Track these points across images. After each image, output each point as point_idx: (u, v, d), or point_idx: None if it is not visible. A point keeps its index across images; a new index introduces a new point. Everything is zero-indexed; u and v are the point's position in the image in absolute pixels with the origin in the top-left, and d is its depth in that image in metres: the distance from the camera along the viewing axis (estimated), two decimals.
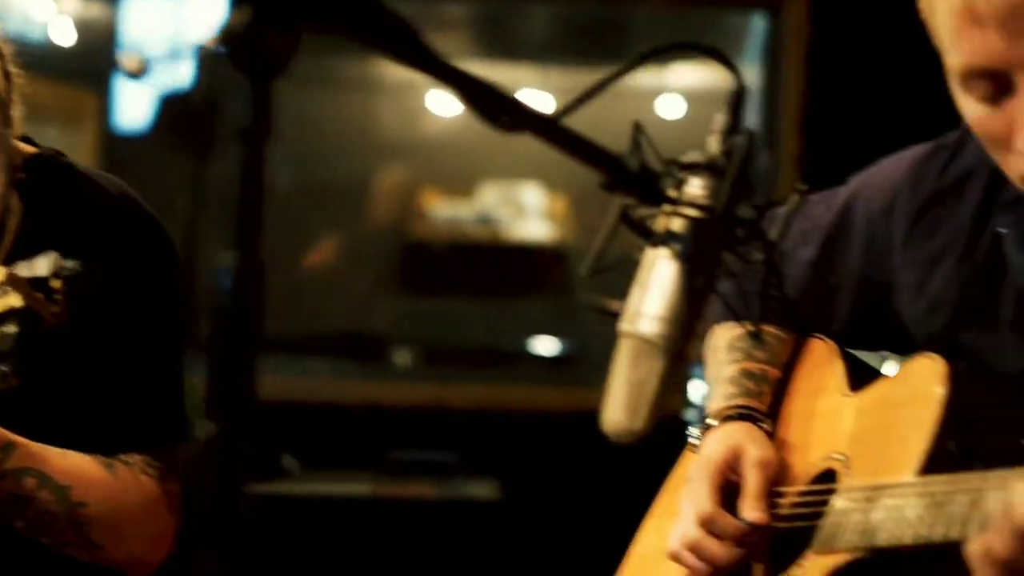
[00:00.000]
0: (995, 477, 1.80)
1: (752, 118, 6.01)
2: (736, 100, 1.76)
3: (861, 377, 2.31)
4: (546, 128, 1.66)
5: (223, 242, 1.46)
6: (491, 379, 6.18)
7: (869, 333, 2.41)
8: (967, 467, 1.92)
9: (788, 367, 2.48)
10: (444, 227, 7.46)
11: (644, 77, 7.22)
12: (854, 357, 2.42)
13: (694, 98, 7.42)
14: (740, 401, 2.39)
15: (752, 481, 2.25)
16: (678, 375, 1.71)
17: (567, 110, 1.68)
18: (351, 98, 7.55)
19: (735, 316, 2.43)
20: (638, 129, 1.71)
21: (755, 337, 1.81)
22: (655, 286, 1.70)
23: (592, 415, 3.48)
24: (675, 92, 7.48)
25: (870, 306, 2.38)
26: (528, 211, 7.47)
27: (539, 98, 7.21)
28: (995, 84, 1.96)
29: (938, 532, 1.85)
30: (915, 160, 2.35)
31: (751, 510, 2.23)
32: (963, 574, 1.80)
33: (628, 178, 1.69)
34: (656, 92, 7.51)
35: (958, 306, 2.20)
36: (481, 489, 5.10)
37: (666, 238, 1.69)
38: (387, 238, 7.41)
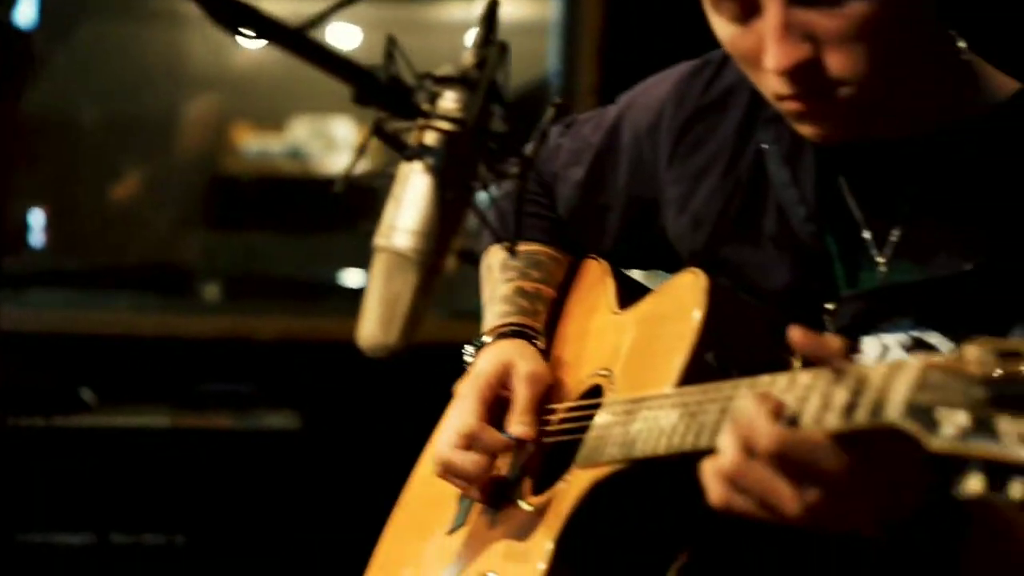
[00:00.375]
0: (745, 385, 1.82)
1: (552, 51, 6.02)
2: (489, 12, 1.76)
3: (632, 295, 2.33)
4: (292, 40, 1.64)
5: None
6: (297, 311, 6.13)
7: (640, 251, 2.44)
8: (725, 378, 1.93)
9: (564, 288, 2.51)
10: (254, 161, 7.37)
11: (455, 10, 7.19)
12: (625, 275, 2.44)
13: (505, 32, 7.40)
14: (514, 319, 2.40)
15: (521, 395, 2.27)
16: (433, 289, 1.71)
17: (313, 22, 1.66)
18: (158, 30, 7.40)
19: (506, 235, 2.45)
20: (391, 42, 1.69)
21: (512, 253, 1.79)
22: (408, 200, 1.70)
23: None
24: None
25: (639, 224, 2.40)
26: (339, 145, 7.41)
27: (347, 31, 7.13)
28: (742, 4, 1.97)
29: (689, 441, 1.86)
30: (680, 77, 2.37)
31: (517, 424, 2.25)
32: None
33: (378, 91, 1.67)
34: (466, 26, 7.48)
35: (721, 222, 2.23)
36: (280, 419, 5.07)
37: (419, 152, 1.69)
38: (196, 172, 7.30)
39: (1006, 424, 1.41)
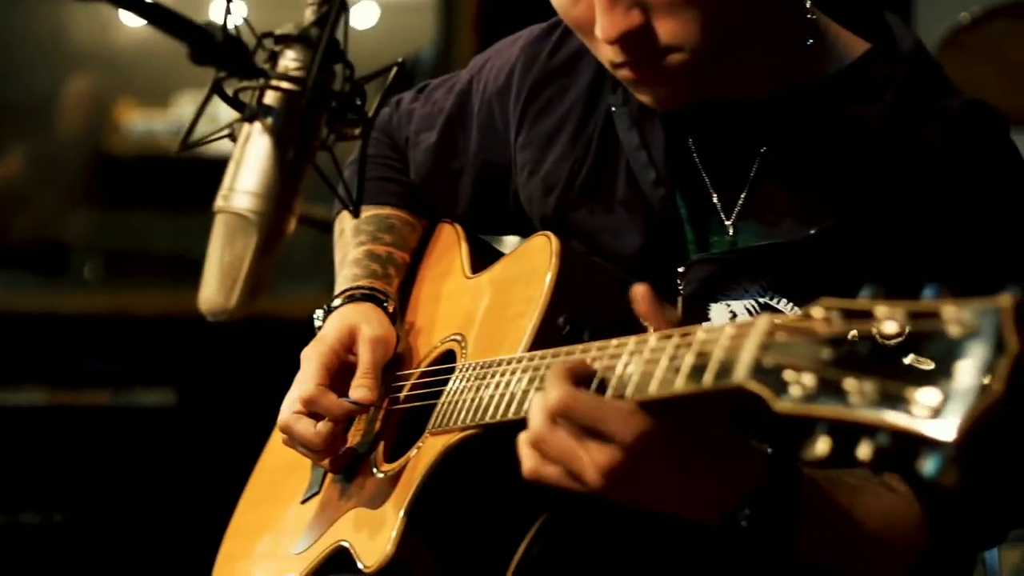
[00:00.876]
0: (595, 348, 1.81)
1: (430, 20, 5.98)
2: None
3: (485, 259, 2.32)
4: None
5: None
6: (176, 289, 6.06)
7: (494, 216, 2.41)
8: (577, 341, 1.92)
9: (419, 253, 2.49)
10: (138, 139, 7.27)
11: None
12: (479, 239, 2.43)
13: (389, 7, 7.37)
14: (364, 282, 2.37)
15: (364, 359, 2.24)
16: (275, 252, 1.68)
17: None
18: (38, 8, 7.29)
19: (353, 200, 2.42)
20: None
21: (355, 216, 1.76)
22: (248, 161, 1.66)
23: (273, 322, 3.43)
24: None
25: (491, 188, 2.38)
26: (223, 123, 7.32)
27: (237, 7, 7.05)
28: None
29: None
30: (529, 40, 2.34)
31: (358, 388, 2.21)
32: None
33: (215, 49, 1.64)
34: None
35: (571, 186, 2.21)
36: (156, 396, 5.02)
37: (258, 112, 1.66)
38: (78, 150, 7.20)
39: (851, 384, 1.40)
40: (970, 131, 2.00)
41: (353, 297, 2.34)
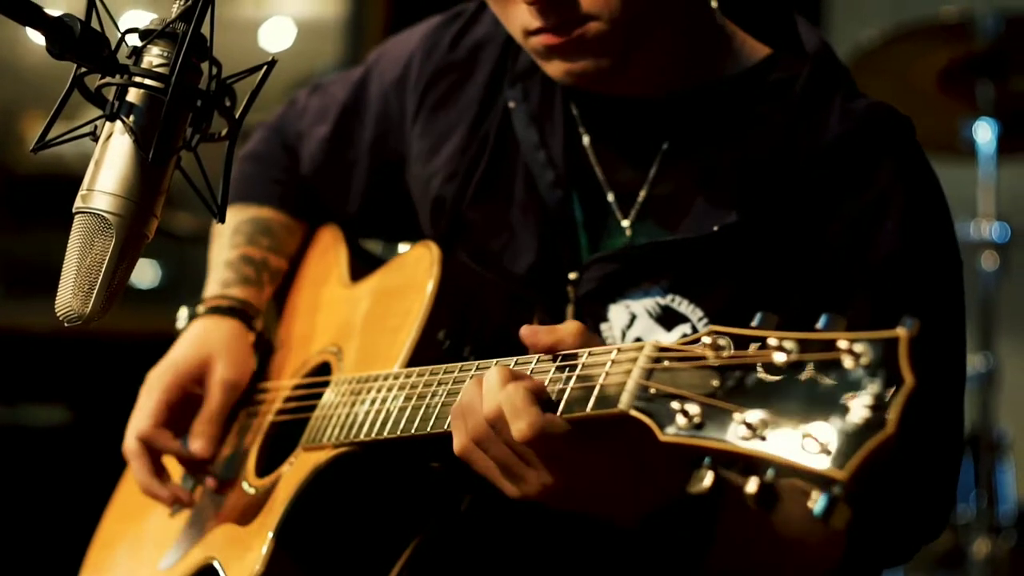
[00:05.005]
0: (475, 367, 1.75)
1: (338, 48, 5.95)
2: None
3: (365, 266, 2.25)
4: None
5: None
6: None
7: (385, 212, 2.34)
8: (457, 358, 1.88)
9: (299, 258, 2.41)
10: (44, 155, 7.17)
11: (247, 7, 7.06)
12: (359, 246, 2.35)
13: (303, 26, 7.31)
14: (235, 291, 2.29)
15: (211, 403, 2.17)
16: (135, 255, 1.61)
17: None
18: None
19: (240, 198, 2.36)
20: None
21: (219, 219, 1.68)
22: (108, 161, 1.60)
23: (167, 339, 3.35)
24: (284, 16, 7.35)
25: (384, 181, 2.31)
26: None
27: (148, 19, 6.97)
28: None
29: (417, 426, 1.79)
30: (429, 30, 2.29)
31: (200, 439, 2.15)
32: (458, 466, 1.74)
33: (73, 43, 1.57)
34: (261, 20, 7.36)
35: (467, 183, 2.15)
36: (49, 414, 4.93)
37: (119, 110, 1.59)
38: None
39: (739, 415, 1.35)
40: (874, 131, 1.96)
41: (219, 308, 2.26)
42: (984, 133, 4.08)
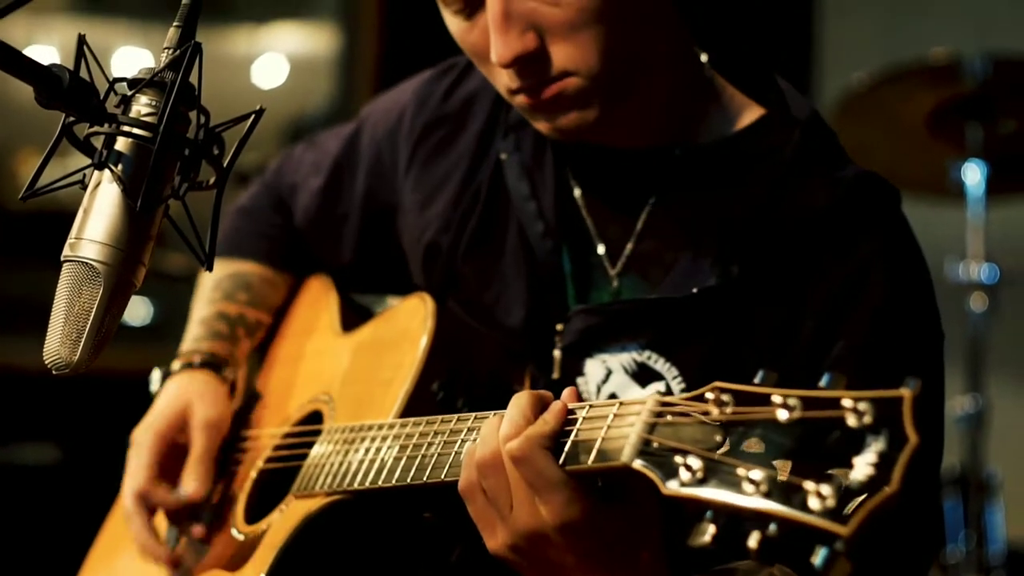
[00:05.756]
0: (473, 418, 1.76)
1: (330, 85, 5.96)
2: (190, 11, 1.66)
3: (356, 316, 2.26)
4: None
5: None
6: None
7: (377, 265, 2.35)
8: (451, 409, 1.88)
9: (286, 308, 2.42)
10: (37, 192, 7.18)
11: (240, 43, 7.07)
12: (349, 296, 2.35)
13: (296, 63, 7.33)
14: (204, 345, 2.30)
15: (196, 446, 2.18)
16: (123, 304, 1.61)
17: None
18: None
19: (230, 250, 2.36)
20: (81, 41, 1.61)
21: (208, 269, 1.66)
22: (97, 210, 1.60)
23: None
24: (278, 53, 7.36)
25: (376, 232, 2.32)
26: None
27: (140, 56, 6.98)
28: None
29: (413, 476, 1.79)
30: (422, 82, 2.30)
31: (191, 480, 2.15)
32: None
33: (62, 93, 1.58)
34: (251, 59, 7.37)
35: (459, 236, 2.16)
36: (39, 454, 4.92)
37: (107, 159, 1.60)
38: None
39: (743, 471, 1.36)
40: (860, 201, 1.96)
41: (191, 364, 2.27)
42: (973, 175, 4.09)
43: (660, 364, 1.96)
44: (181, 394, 2.22)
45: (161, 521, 2.23)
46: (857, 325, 1.90)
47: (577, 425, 1.58)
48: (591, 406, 1.60)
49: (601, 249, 2.06)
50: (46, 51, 6.42)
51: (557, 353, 2.04)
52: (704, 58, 2.06)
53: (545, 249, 2.07)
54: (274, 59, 7.11)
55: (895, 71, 4.04)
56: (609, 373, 1.99)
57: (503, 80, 1.95)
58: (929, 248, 2.03)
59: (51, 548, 4.83)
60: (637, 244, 2.04)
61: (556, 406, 1.64)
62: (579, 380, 2.00)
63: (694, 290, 1.94)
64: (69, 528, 4.85)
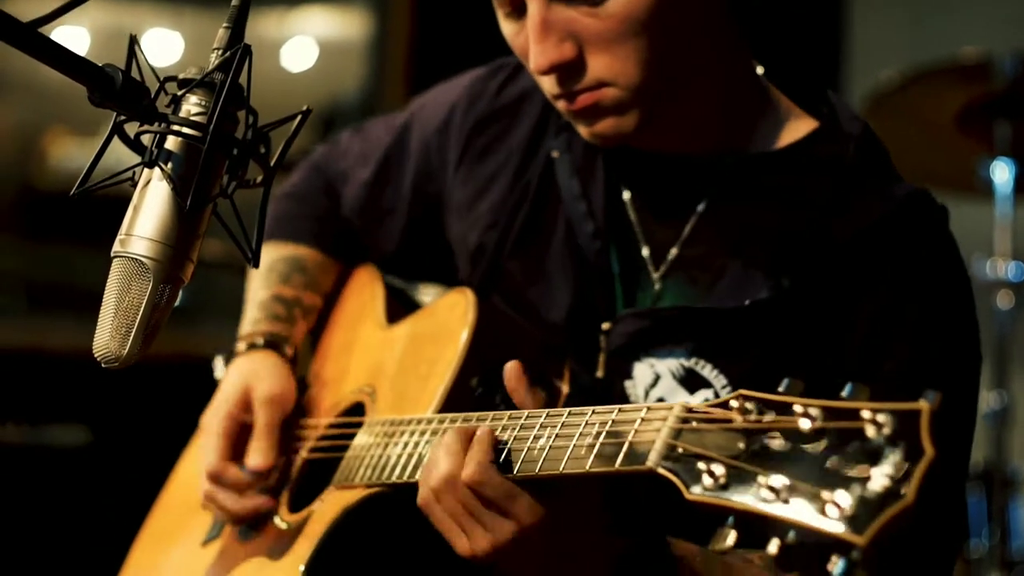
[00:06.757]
0: (507, 416, 1.79)
1: (361, 69, 5.97)
2: (240, 12, 1.70)
3: (402, 308, 2.29)
4: (22, 37, 1.58)
5: None
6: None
7: (423, 257, 2.38)
8: (489, 405, 1.91)
9: (336, 297, 2.45)
10: (66, 172, 7.21)
11: (270, 26, 7.09)
12: (396, 287, 2.38)
13: (326, 47, 7.34)
14: (264, 327, 2.33)
15: (259, 421, 2.21)
16: (172, 299, 1.65)
17: (44, 19, 1.60)
18: None
19: (278, 235, 2.39)
20: (133, 41, 1.64)
21: (253, 264, 1.71)
22: (147, 207, 1.63)
23: (191, 361, 3.37)
24: (307, 36, 7.37)
25: (422, 225, 2.35)
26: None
27: (170, 38, 7.00)
28: (511, 1, 1.96)
29: None
30: (473, 80, 2.33)
31: (255, 454, 2.18)
32: None
33: (114, 93, 1.61)
34: (280, 42, 7.39)
35: (508, 230, 2.19)
36: (69, 435, 4.94)
37: (158, 157, 1.63)
38: (5, 182, 7.12)
39: (763, 478, 1.39)
40: (911, 220, 1.98)
41: (253, 345, 2.30)
42: (1001, 173, 4.10)
43: (707, 371, 1.99)
44: (244, 374, 2.26)
45: (206, 515, 2.27)
46: (900, 342, 1.92)
47: (607, 427, 1.62)
48: (620, 410, 1.63)
49: (646, 251, 2.08)
50: (77, 32, 6.44)
51: (602, 351, 2.06)
52: (760, 70, 2.08)
53: (594, 249, 2.10)
54: (304, 42, 7.12)
55: (925, 69, 4.04)
56: (658, 378, 2.02)
57: (546, 86, 1.98)
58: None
59: (80, 529, 4.88)
60: (683, 249, 2.06)
61: (481, 433, 1.73)
62: (627, 383, 2.04)
63: (746, 302, 1.97)
64: (98, 510, 4.91)
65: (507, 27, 2.00)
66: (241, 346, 2.31)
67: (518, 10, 1.96)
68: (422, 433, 1.91)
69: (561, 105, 1.98)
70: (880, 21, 5.61)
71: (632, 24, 1.90)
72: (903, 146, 4.07)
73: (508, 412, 1.80)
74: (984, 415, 4.08)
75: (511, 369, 1.76)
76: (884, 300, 1.94)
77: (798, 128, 2.07)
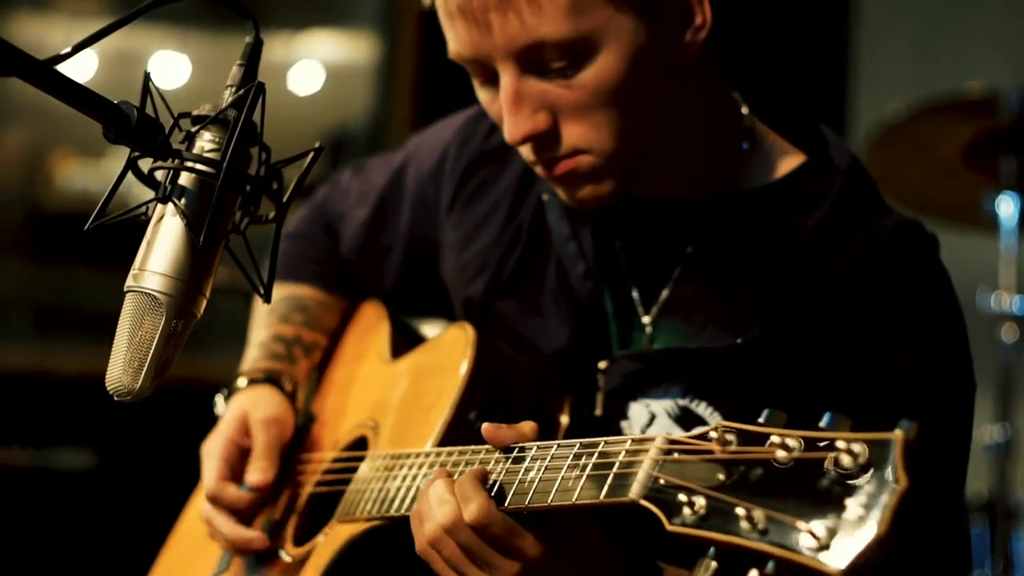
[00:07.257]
0: (500, 449, 1.80)
1: (368, 93, 5.98)
2: (252, 52, 1.72)
3: (407, 342, 2.31)
4: (40, 75, 1.59)
5: None
6: (103, 346, 5.99)
7: (419, 295, 2.40)
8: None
9: (341, 332, 2.47)
10: (72, 194, 7.23)
11: (277, 49, 7.11)
12: (402, 321, 2.41)
13: (333, 71, 7.36)
14: (263, 364, 2.36)
15: (258, 441, 2.23)
16: (184, 334, 1.66)
17: (63, 56, 1.61)
18: None
19: (279, 277, 2.41)
20: (147, 78, 1.65)
21: (264, 300, 1.73)
22: (160, 242, 1.65)
23: (196, 385, 3.38)
24: (314, 60, 7.39)
25: (419, 266, 2.37)
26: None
27: (177, 61, 7.03)
28: (484, 71, 1.97)
29: None
30: (465, 121, 2.35)
31: (253, 472, 2.20)
32: None
33: (129, 129, 1.63)
34: (287, 66, 7.40)
35: (500, 271, 2.20)
36: (74, 458, 4.95)
37: (171, 193, 1.64)
38: (11, 204, 7.13)
39: (742, 510, 1.41)
40: (900, 252, 1.99)
41: (253, 380, 2.33)
42: (1007, 207, 4.11)
43: (702, 408, 2.00)
44: (242, 404, 2.28)
45: (213, 550, 2.28)
46: (890, 373, 1.93)
47: (592, 459, 1.63)
48: (605, 442, 1.64)
49: (635, 293, 2.10)
50: (84, 55, 6.45)
51: (600, 390, 2.08)
52: (744, 110, 2.09)
53: (586, 290, 2.11)
54: (310, 66, 7.13)
55: (931, 103, 4.06)
56: (653, 417, 2.03)
57: (523, 152, 2.00)
58: (961, 278, 2.07)
59: (86, 553, 4.88)
60: (674, 290, 2.07)
61: (471, 474, 1.74)
62: (623, 424, 2.05)
63: (739, 340, 1.98)
64: (104, 534, 4.92)
65: (482, 95, 2.01)
66: (241, 382, 2.34)
67: (491, 80, 1.97)
68: (420, 466, 1.93)
69: (539, 171, 2.00)
70: (885, 53, 5.63)
71: (605, 94, 1.91)
72: (909, 179, 4.13)
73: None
74: (987, 447, 4.09)
75: (488, 429, 1.78)
76: (876, 332, 1.94)
77: (786, 163, 2.07)
